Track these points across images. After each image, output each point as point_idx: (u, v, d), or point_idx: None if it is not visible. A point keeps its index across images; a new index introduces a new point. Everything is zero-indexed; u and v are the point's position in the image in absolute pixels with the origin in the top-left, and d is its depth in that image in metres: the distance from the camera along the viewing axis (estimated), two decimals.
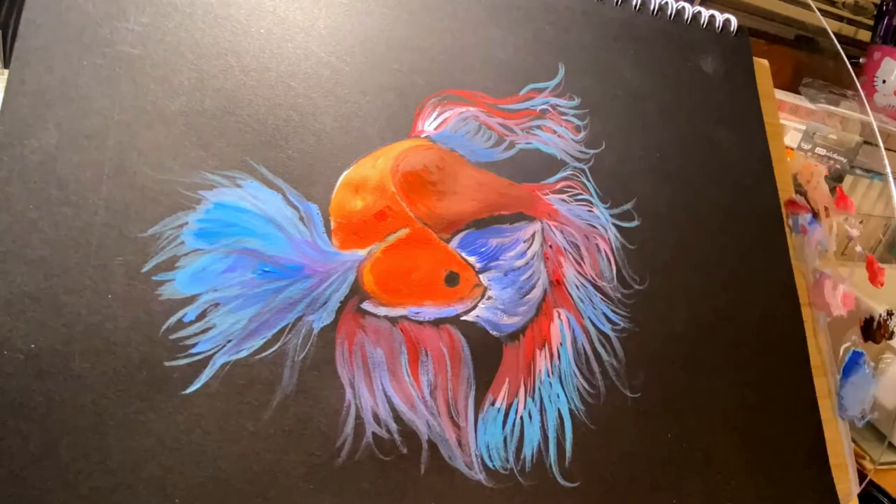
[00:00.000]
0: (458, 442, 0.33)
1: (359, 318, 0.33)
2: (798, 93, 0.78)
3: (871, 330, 0.50)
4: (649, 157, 0.43)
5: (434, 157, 0.37)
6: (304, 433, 0.31)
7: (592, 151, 0.41)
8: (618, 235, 0.40)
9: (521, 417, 0.35)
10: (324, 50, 0.36)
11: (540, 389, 0.36)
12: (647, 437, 0.37)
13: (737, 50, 0.49)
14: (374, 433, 0.32)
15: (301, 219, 0.33)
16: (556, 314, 0.37)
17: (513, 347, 0.36)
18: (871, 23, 0.91)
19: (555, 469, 0.35)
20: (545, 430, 0.35)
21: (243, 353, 0.31)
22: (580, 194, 0.40)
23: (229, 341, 0.31)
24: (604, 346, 0.38)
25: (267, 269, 0.32)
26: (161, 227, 0.31)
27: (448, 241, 0.36)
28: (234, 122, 0.33)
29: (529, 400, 0.35)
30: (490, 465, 0.34)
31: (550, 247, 0.39)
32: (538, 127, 0.40)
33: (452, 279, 0.36)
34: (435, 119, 0.38)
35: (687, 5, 0.47)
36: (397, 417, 0.33)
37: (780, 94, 0.71)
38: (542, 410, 0.35)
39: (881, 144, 0.59)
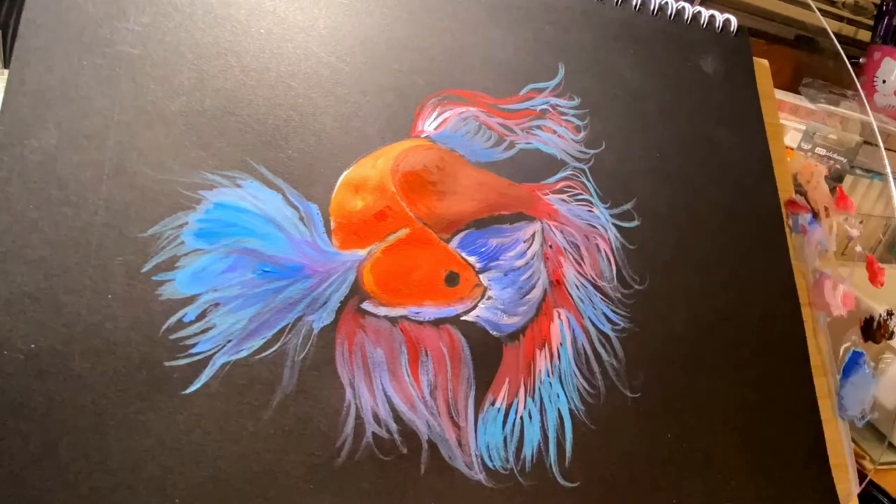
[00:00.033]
0: (458, 442, 0.33)
1: (359, 318, 0.33)
2: (798, 93, 0.78)
3: (871, 330, 0.50)
4: (649, 157, 0.43)
5: (434, 157, 0.37)
6: (304, 433, 0.31)
7: (592, 151, 0.41)
8: (618, 235, 0.40)
9: (521, 417, 0.35)
10: (324, 50, 0.36)
11: (540, 389, 0.36)
12: (647, 437, 0.37)
13: (737, 50, 0.48)
14: (374, 433, 0.32)
15: (301, 219, 0.33)
16: (556, 314, 0.37)
17: (513, 347, 0.36)
18: (871, 23, 0.91)
19: (555, 469, 0.35)
20: (545, 430, 0.35)
21: (243, 353, 0.31)
22: (580, 194, 0.40)
23: (229, 341, 0.31)
24: (604, 346, 0.38)
25: (267, 269, 0.32)
26: (161, 227, 0.31)
27: (448, 241, 0.36)
28: (234, 122, 0.33)
29: (529, 400, 0.35)
30: (490, 465, 0.34)
31: (550, 247, 0.39)
32: (538, 127, 0.40)
33: (452, 279, 0.36)
34: (435, 119, 0.38)
35: (687, 5, 0.47)
36: (397, 417, 0.33)
37: (780, 94, 0.71)
38: (542, 410, 0.35)
39: (881, 144, 0.59)
